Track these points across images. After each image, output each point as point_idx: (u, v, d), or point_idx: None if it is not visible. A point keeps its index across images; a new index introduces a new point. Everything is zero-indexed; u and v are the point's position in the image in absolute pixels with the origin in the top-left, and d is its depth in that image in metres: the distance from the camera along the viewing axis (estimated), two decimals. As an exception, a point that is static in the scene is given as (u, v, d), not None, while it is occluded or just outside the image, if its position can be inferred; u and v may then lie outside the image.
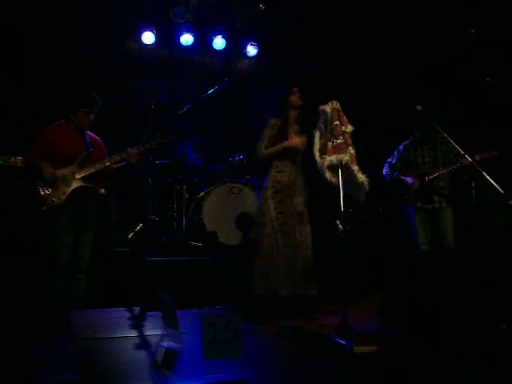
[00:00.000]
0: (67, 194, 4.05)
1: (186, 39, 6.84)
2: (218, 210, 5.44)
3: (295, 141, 4.45)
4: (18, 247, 4.74)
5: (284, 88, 4.61)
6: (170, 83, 7.02)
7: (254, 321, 4.02)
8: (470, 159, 4.56)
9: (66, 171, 4.08)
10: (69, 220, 4.08)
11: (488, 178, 4.34)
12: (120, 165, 4.36)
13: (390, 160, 5.21)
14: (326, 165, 4.17)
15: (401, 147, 5.18)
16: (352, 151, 4.18)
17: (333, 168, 4.16)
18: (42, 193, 4.02)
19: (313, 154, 4.43)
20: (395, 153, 5.20)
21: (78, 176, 4.11)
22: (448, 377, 2.67)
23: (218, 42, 7.00)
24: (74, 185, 4.09)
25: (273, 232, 4.34)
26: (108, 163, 4.25)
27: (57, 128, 4.20)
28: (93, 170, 4.17)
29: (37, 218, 4.20)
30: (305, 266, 4.36)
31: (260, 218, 4.41)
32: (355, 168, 4.22)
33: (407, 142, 5.16)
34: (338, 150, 4.13)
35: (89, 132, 4.34)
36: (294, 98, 4.52)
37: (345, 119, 4.31)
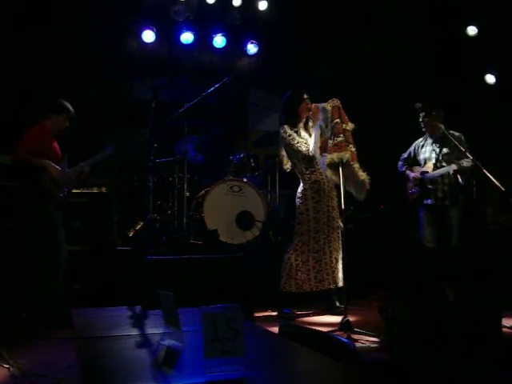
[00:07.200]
0: (67, 190, 4.22)
1: (186, 37, 6.83)
2: (219, 209, 5.43)
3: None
4: (20, 246, 4.73)
5: (293, 95, 4.66)
6: (170, 82, 7.01)
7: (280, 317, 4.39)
8: (470, 156, 4.57)
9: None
10: (57, 217, 4.21)
11: (489, 175, 4.33)
12: None
13: (403, 155, 5.27)
14: (326, 163, 4.16)
15: (413, 143, 5.21)
16: (353, 149, 4.17)
17: (334, 166, 4.15)
18: (51, 190, 4.11)
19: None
20: (409, 149, 5.25)
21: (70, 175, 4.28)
22: (449, 376, 2.67)
23: (219, 41, 6.98)
24: (68, 182, 4.26)
25: (307, 230, 4.52)
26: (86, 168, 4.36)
27: (42, 129, 4.27)
28: (79, 169, 4.31)
29: (40, 216, 4.18)
30: (332, 262, 4.55)
31: (297, 216, 4.58)
32: (356, 166, 4.21)
33: (420, 138, 5.19)
34: (338, 148, 4.12)
35: None
36: (303, 109, 4.63)
37: (345, 117, 4.30)
